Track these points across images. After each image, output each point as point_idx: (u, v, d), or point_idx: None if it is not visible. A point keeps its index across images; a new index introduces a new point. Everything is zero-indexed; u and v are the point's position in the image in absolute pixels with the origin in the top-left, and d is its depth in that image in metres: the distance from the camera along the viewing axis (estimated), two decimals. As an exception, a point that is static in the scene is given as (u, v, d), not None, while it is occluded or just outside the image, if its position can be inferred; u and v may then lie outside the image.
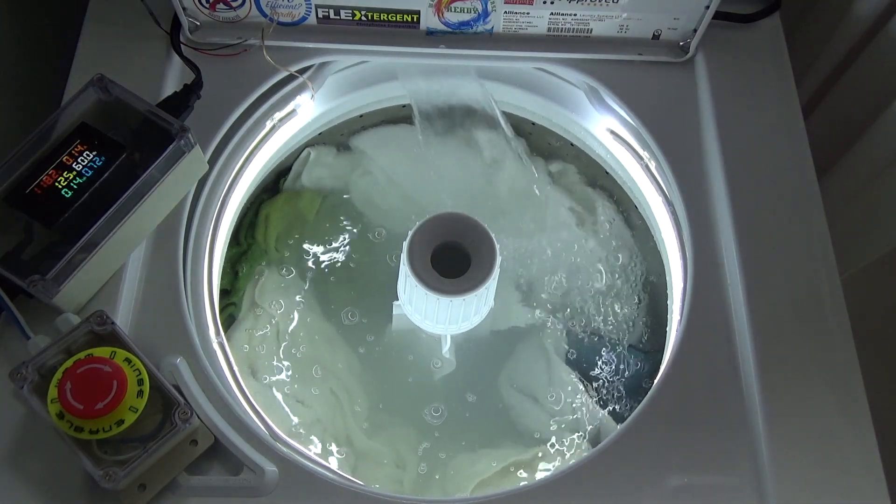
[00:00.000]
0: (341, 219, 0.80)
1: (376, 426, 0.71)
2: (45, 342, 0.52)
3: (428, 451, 0.70)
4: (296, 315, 0.74)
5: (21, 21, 0.76)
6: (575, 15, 0.67)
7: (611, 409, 0.71)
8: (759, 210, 0.63)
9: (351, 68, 0.73)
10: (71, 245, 0.53)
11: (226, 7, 0.66)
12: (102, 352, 0.50)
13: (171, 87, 0.66)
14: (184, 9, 0.66)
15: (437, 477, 0.68)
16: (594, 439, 0.69)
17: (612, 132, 0.73)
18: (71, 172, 0.55)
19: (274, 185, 0.80)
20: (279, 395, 0.69)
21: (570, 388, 0.70)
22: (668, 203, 0.69)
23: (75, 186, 0.55)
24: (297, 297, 0.75)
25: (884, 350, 0.74)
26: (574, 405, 0.70)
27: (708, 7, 0.66)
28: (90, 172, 0.55)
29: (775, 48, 0.71)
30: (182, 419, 0.50)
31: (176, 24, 0.67)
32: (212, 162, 0.65)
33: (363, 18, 0.68)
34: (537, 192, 0.81)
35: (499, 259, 0.63)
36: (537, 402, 0.71)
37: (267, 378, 0.70)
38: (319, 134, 0.79)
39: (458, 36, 0.70)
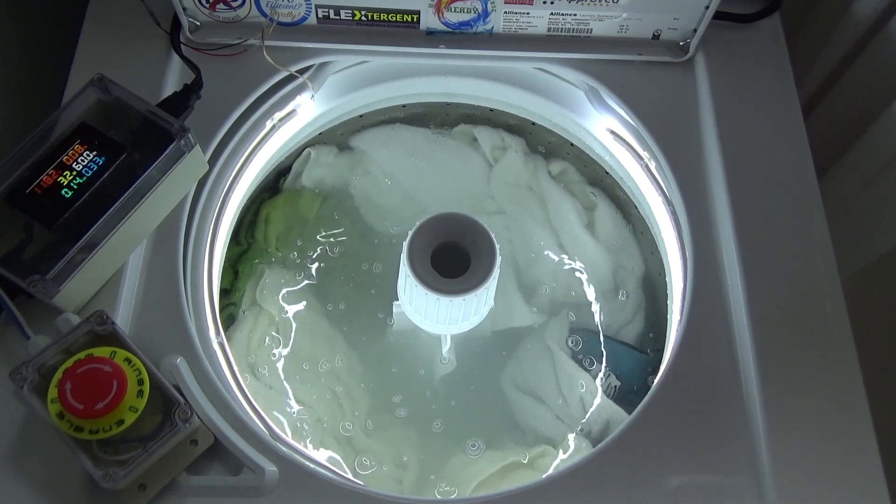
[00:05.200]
0: (341, 219, 0.80)
1: (376, 426, 0.71)
2: (45, 342, 0.52)
3: (428, 451, 0.70)
4: (296, 315, 0.74)
5: (21, 21, 0.76)
6: (575, 15, 0.67)
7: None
8: (759, 210, 0.63)
9: (351, 68, 0.73)
10: (71, 245, 0.53)
11: (226, 7, 0.66)
12: (102, 352, 0.50)
13: (171, 87, 0.66)
14: (184, 9, 0.66)
15: (436, 477, 0.68)
16: (603, 433, 0.68)
17: (612, 132, 0.73)
18: (71, 172, 0.55)
19: (274, 184, 0.80)
20: (279, 395, 0.69)
21: (578, 383, 0.70)
22: (668, 203, 0.69)
23: (75, 186, 0.55)
24: (298, 297, 0.75)
25: (884, 350, 0.74)
26: (585, 400, 0.69)
27: (708, 7, 0.66)
28: (90, 172, 0.55)
29: (775, 48, 0.71)
30: (182, 419, 0.50)
31: (176, 24, 0.67)
32: (212, 162, 0.65)
33: (363, 18, 0.68)
34: (537, 192, 0.81)
35: (498, 259, 0.63)
36: (540, 401, 0.71)
37: (267, 378, 0.70)
38: (319, 134, 0.79)
39: (458, 36, 0.70)
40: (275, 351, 0.72)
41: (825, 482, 0.54)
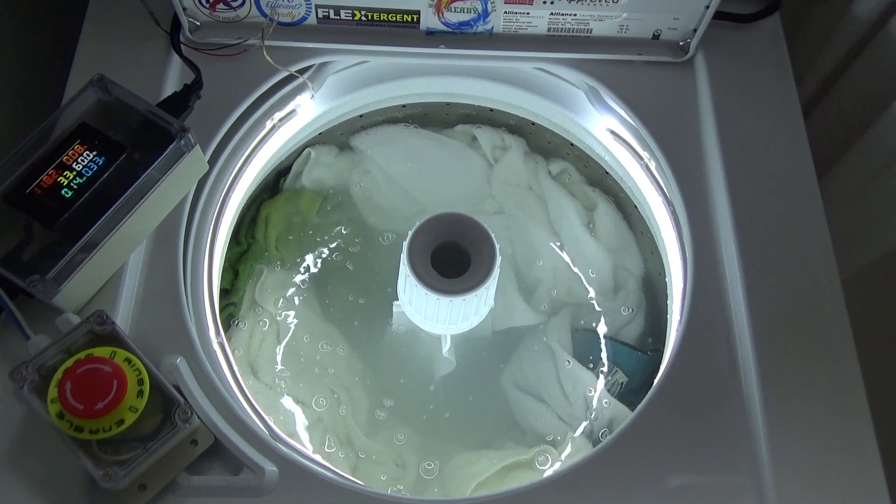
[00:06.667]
0: (341, 219, 0.80)
1: (376, 426, 0.71)
2: (45, 342, 0.52)
3: (428, 451, 0.70)
4: (296, 315, 0.74)
5: (21, 21, 0.76)
6: (575, 15, 0.67)
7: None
8: (759, 210, 0.63)
9: (351, 68, 0.73)
10: (71, 245, 0.53)
11: (226, 7, 0.66)
12: (102, 352, 0.50)
13: (171, 87, 0.66)
14: (184, 9, 0.66)
15: (436, 477, 0.68)
16: (607, 429, 0.68)
17: (612, 132, 0.73)
18: (71, 172, 0.55)
19: (274, 184, 0.80)
20: (279, 395, 0.69)
21: (582, 382, 0.70)
22: (668, 203, 0.69)
23: (75, 186, 0.55)
24: (298, 297, 0.76)
25: (884, 350, 0.74)
26: (588, 399, 0.69)
27: (708, 7, 0.66)
28: (90, 172, 0.55)
29: (775, 48, 0.71)
30: (182, 419, 0.50)
31: (176, 24, 0.67)
32: (212, 162, 0.65)
33: (363, 18, 0.68)
34: (537, 192, 0.81)
35: (498, 259, 0.63)
36: (541, 401, 0.71)
37: (267, 378, 0.70)
38: (319, 134, 0.79)
39: (458, 36, 0.70)
40: (274, 351, 0.72)
41: (825, 482, 0.54)
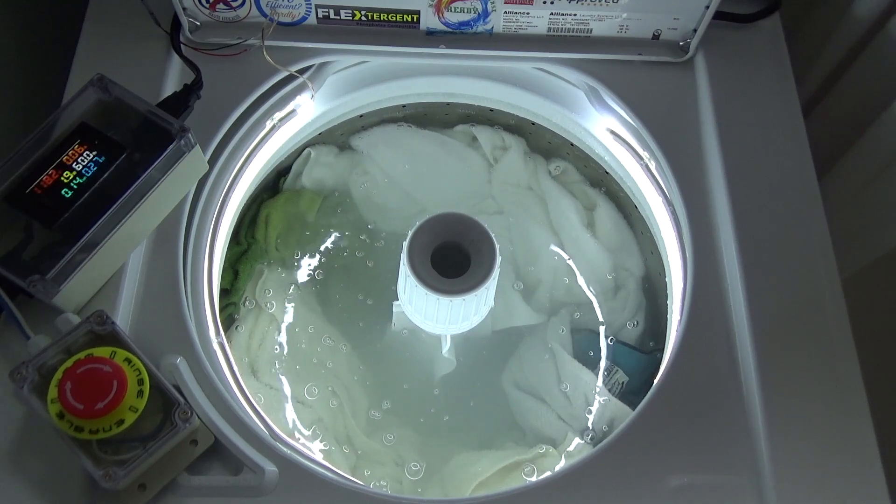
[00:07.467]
0: (341, 219, 0.80)
1: (376, 426, 0.71)
2: (45, 342, 0.52)
3: (428, 451, 0.70)
4: (296, 315, 0.74)
5: (21, 21, 0.76)
6: (575, 15, 0.67)
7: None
8: (759, 210, 0.63)
9: (351, 68, 0.73)
10: (71, 245, 0.53)
11: (226, 7, 0.66)
12: (102, 352, 0.50)
13: (171, 87, 0.66)
14: (184, 9, 0.66)
15: (437, 477, 0.68)
16: (607, 432, 0.68)
17: (612, 132, 0.73)
18: (71, 172, 0.55)
19: (274, 184, 0.80)
20: (279, 395, 0.69)
21: (582, 381, 0.70)
22: (668, 203, 0.69)
23: (75, 186, 0.55)
24: (297, 297, 0.75)
25: (884, 350, 0.74)
26: (588, 398, 0.69)
27: (708, 7, 0.66)
28: (90, 172, 0.55)
29: (775, 48, 0.71)
30: (182, 419, 0.50)
31: (176, 24, 0.67)
32: (212, 162, 0.65)
33: (363, 18, 0.68)
34: (537, 192, 0.81)
35: (498, 259, 0.63)
36: (541, 401, 0.71)
37: (267, 378, 0.70)
38: (319, 134, 0.79)
39: (458, 36, 0.70)
40: (274, 351, 0.72)
41: (825, 482, 0.54)
